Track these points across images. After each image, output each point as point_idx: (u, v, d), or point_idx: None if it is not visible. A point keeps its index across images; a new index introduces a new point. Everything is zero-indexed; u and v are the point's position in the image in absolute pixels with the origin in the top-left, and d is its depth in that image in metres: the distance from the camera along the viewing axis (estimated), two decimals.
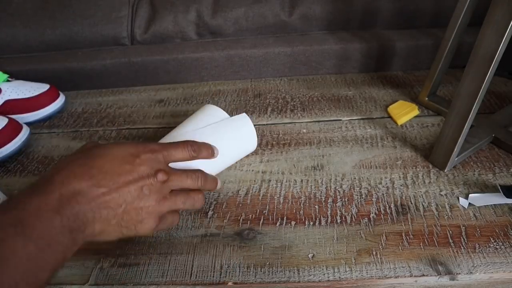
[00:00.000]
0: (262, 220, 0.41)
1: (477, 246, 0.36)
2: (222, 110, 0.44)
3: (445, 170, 0.45)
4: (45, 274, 0.26)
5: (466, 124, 0.40)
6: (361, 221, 0.40)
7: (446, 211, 0.40)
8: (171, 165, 0.36)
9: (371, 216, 0.40)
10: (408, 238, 0.38)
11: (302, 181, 0.45)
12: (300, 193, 0.44)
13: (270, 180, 0.46)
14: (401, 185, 0.44)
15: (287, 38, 0.67)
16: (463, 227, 0.38)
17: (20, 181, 0.50)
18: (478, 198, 0.41)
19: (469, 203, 0.41)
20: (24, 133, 0.54)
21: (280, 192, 0.44)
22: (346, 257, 0.37)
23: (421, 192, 0.43)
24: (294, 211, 0.42)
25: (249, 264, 0.37)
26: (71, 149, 0.55)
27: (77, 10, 0.68)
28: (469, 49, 0.37)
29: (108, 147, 0.33)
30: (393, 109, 0.55)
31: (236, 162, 0.49)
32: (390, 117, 0.55)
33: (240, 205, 0.43)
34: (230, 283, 0.35)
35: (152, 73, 0.67)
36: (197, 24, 0.68)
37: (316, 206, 0.42)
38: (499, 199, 0.41)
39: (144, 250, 0.39)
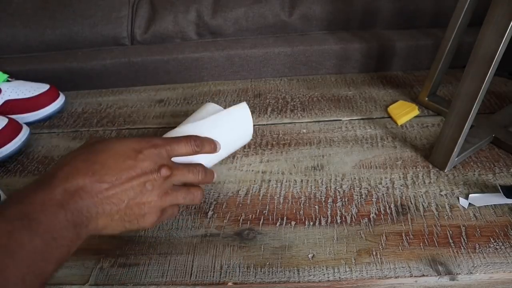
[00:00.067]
0: (262, 220, 0.41)
1: (477, 246, 0.36)
2: (221, 107, 0.44)
3: (445, 170, 0.45)
4: (50, 267, 0.26)
5: (466, 124, 0.40)
6: (361, 221, 0.40)
7: (446, 211, 0.40)
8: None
9: (371, 216, 0.40)
10: (408, 238, 0.38)
11: (302, 181, 0.45)
12: (300, 193, 0.44)
13: (270, 180, 0.46)
14: (401, 185, 0.44)
15: (287, 38, 0.67)
16: (463, 227, 0.38)
17: (20, 181, 0.50)
18: (478, 198, 0.41)
19: (469, 203, 0.41)
20: (24, 133, 0.54)
21: (280, 192, 0.44)
22: (346, 257, 0.37)
23: (421, 192, 0.43)
24: (294, 211, 0.42)
25: (249, 264, 0.37)
26: (71, 149, 0.55)
27: (77, 10, 0.68)
28: (469, 49, 0.37)
29: (111, 142, 0.33)
30: (393, 109, 0.55)
31: (236, 162, 0.49)
32: (390, 117, 0.55)
33: (240, 205, 0.43)
34: (230, 283, 0.35)
35: (152, 73, 0.67)
36: (197, 24, 0.68)
37: (316, 206, 0.42)
38: (499, 199, 0.40)
39: (144, 250, 0.39)
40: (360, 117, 0.55)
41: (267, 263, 0.37)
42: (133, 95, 0.66)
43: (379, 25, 0.67)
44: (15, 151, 0.53)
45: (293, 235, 0.39)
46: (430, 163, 0.46)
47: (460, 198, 0.41)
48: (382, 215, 0.40)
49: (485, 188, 0.42)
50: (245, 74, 0.68)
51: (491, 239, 0.37)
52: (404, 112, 0.54)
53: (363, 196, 0.43)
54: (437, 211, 0.40)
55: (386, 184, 0.44)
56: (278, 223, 0.40)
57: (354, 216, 0.40)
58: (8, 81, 0.60)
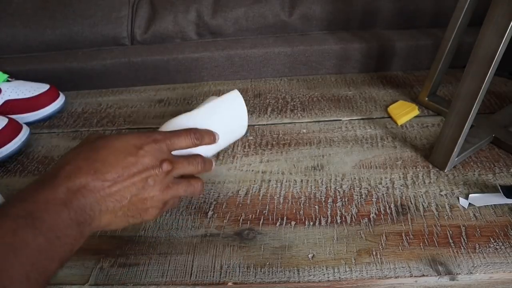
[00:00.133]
0: (262, 220, 0.41)
1: (477, 246, 0.36)
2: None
3: (445, 170, 0.45)
4: (54, 265, 0.27)
5: (466, 124, 0.40)
6: (361, 221, 0.40)
7: (446, 211, 0.40)
8: None
9: (371, 216, 0.40)
10: (408, 238, 0.38)
11: (302, 181, 0.45)
12: (300, 193, 0.44)
13: (270, 180, 0.46)
14: (401, 185, 0.44)
15: (287, 38, 0.67)
16: (463, 227, 0.38)
17: (20, 181, 0.50)
18: (478, 198, 0.41)
19: (469, 203, 0.41)
20: (24, 133, 0.54)
21: (280, 192, 0.44)
22: (346, 257, 0.37)
23: (421, 192, 0.43)
24: (294, 211, 0.42)
25: (249, 264, 0.37)
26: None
27: (77, 10, 0.68)
28: (469, 49, 0.37)
29: (111, 139, 0.33)
30: (393, 109, 0.55)
31: (236, 162, 0.49)
32: (390, 117, 0.55)
33: (240, 205, 0.43)
34: (230, 283, 0.35)
35: (152, 73, 0.67)
36: (197, 24, 0.68)
37: (316, 206, 0.42)
38: (499, 199, 0.41)
39: (144, 250, 0.39)
40: (360, 117, 0.55)
41: (267, 263, 0.37)
42: (133, 95, 0.66)
43: (379, 25, 0.67)
44: (15, 151, 0.53)
45: (293, 235, 0.39)
46: (430, 163, 0.46)
47: (460, 198, 0.41)
48: (382, 215, 0.40)
49: (485, 188, 0.42)
50: (245, 74, 0.68)
51: (491, 239, 0.37)
52: (404, 112, 0.54)
53: (363, 196, 0.43)
54: (437, 211, 0.40)
55: (386, 184, 0.44)
56: (278, 223, 0.40)
57: (354, 216, 0.40)
58: (8, 81, 0.60)
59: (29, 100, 0.59)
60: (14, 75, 0.62)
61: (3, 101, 0.58)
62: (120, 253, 0.39)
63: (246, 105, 0.44)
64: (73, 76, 0.68)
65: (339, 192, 0.43)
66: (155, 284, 0.36)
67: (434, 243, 0.37)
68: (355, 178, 0.45)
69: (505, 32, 0.33)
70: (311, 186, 0.45)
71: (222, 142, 0.43)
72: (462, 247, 0.36)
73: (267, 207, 0.42)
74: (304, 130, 0.54)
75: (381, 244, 0.37)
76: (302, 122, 0.55)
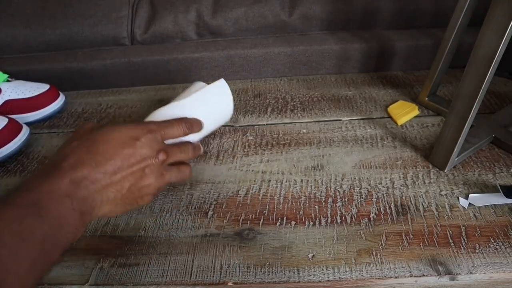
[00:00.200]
0: (262, 220, 0.41)
1: (477, 246, 0.36)
2: (205, 84, 0.46)
3: (445, 170, 0.45)
4: (57, 253, 0.28)
5: (466, 124, 0.40)
6: (361, 221, 0.40)
7: (446, 211, 0.40)
8: None
9: (371, 216, 0.40)
10: (408, 238, 0.38)
11: (302, 181, 0.45)
12: (300, 193, 0.44)
13: (270, 180, 0.46)
14: (401, 185, 0.44)
15: (287, 38, 0.67)
16: (463, 227, 0.38)
17: (20, 181, 0.50)
18: (478, 198, 0.41)
19: (469, 203, 0.41)
20: (24, 133, 0.54)
21: (280, 192, 0.44)
22: (346, 257, 0.37)
23: (421, 192, 0.43)
24: (294, 211, 0.42)
25: (249, 264, 0.37)
26: None
27: (77, 10, 0.68)
28: (469, 49, 0.37)
29: (108, 131, 0.35)
30: (393, 109, 0.55)
31: (236, 162, 0.49)
32: (390, 117, 0.55)
33: (240, 205, 0.43)
34: (230, 283, 0.35)
35: (152, 73, 0.67)
36: (197, 24, 0.68)
37: (316, 206, 0.42)
38: (499, 199, 0.41)
39: (144, 250, 0.39)
40: (360, 117, 0.55)
41: (267, 263, 0.37)
42: (133, 95, 0.66)
43: (379, 25, 0.67)
44: (15, 151, 0.53)
45: (293, 235, 0.39)
46: (430, 163, 0.46)
47: (460, 198, 0.41)
48: (382, 215, 0.40)
49: (485, 188, 0.42)
50: (245, 74, 0.68)
51: (491, 239, 0.37)
52: (404, 112, 0.54)
53: (363, 196, 0.43)
54: (437, 211, 0.40)
55: (386, 184, 0.44)
56: (278, 223, 0.40)
57: (354, 216, 0.40)
58: (8, 81, 0.60)
59: (29, 100, 0.59)
60: (14, 75, 0.62)
61: (3, 101, 0.58)
62: (120, 253, 0.39)
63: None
64: (73, 76, 0.68)
65: (339, 192, 0.43)
66: (155, 284, 0.36)
67: (434, 243, 0.37)
68: (355, 178, 0.45)
69: (505, 32, 0.33)
70: (311, 186, 0.45)
71: (210, 128, 0.46)
72: (462, 247, 0.36)
73: (267, 207, 0.42)
74: (304, 130, 0.54)
75: (381, 244, 0.37)
76: (302, 122, 0.55)
